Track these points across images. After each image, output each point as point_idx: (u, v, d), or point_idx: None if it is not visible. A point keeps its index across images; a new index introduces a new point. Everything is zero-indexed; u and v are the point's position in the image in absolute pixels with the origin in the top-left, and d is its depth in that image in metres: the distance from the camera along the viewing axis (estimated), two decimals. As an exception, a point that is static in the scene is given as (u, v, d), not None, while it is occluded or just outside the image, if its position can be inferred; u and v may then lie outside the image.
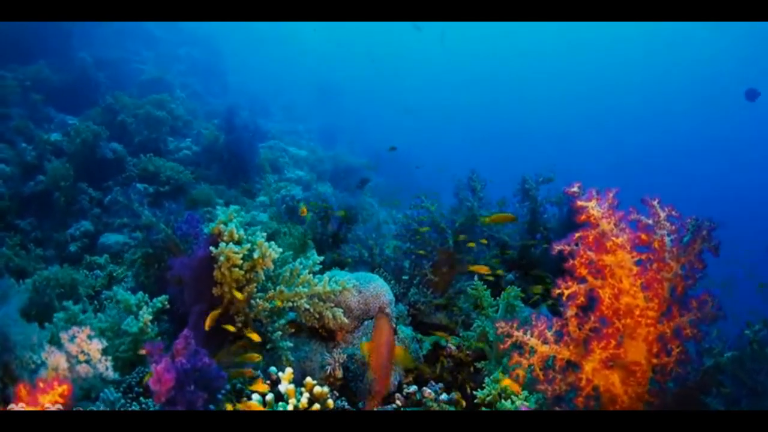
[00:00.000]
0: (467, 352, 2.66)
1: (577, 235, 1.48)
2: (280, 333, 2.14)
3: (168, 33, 12.57)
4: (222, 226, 2.04)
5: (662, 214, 1.43)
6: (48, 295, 3.07)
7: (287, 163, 9.10)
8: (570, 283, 1.49)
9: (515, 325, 1.55)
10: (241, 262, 1.98)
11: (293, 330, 2.33)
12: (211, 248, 1.98)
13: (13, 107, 6.90)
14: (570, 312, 1.52)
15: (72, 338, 1.35)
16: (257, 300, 2.10)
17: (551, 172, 3.04)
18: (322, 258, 2.39)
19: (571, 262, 1.49)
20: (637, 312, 1.46)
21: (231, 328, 2.01)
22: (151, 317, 1.88)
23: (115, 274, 4.74)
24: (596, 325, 1.52)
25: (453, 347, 2.73)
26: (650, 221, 1.47)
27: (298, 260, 2.32)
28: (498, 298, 2.56)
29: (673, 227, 1.43)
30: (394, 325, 2.69)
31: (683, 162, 29.34)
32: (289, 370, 1.85)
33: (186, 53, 12.43)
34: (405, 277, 3.01)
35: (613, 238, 1.42)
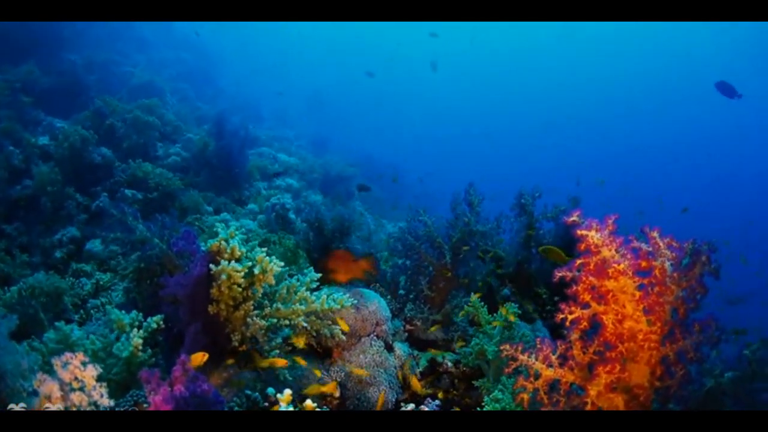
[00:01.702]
0: (464, 369, 2.64)
1: (578, 261, 1.48)
2: (277, 351, 2.10)
3: (160, 37, 12.47)
4: (223, 243, 2.00)
5: (662, 244, 1.44)
6: (33, 307, 3.00)
7: (277, 170, 9.05)
8: (573, 308, 1.48)
9: (520, 348, 1.54)
10: (243, 280, 1.95)
11: (289, 348, 2.30)
12: (212, 266, 1.94)
13: (2, 109, 6.80)
14: (574, 335, 1.52)
15: (65, 365, 1.30)
16: (253, 318, 2.06)
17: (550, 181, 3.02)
18: (319, 275, 2.37)
19: (574, 288, 1.48)
20: (641, 336, 1.46)
21: (231, 361, 1.99)
22: (141, 341, 1.83)
23: (102, 283, 4.66)
24: (600, 349, 1.52)
25: (450, 364, 2.71)
26: (650, 248, 1.47)
27: (295, 277, 2.29)
28: (495, 314, 2.55)
29: (673, 255, 1.44)
30: (390, 342, 2.67)
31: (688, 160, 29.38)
32: (287, 391, 1.82)
33: (178, 57, 12.33)
34: (401, 292, 2.98)
35: (615, 265, 1.42)
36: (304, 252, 4.45)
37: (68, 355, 1.31)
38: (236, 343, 2.06)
